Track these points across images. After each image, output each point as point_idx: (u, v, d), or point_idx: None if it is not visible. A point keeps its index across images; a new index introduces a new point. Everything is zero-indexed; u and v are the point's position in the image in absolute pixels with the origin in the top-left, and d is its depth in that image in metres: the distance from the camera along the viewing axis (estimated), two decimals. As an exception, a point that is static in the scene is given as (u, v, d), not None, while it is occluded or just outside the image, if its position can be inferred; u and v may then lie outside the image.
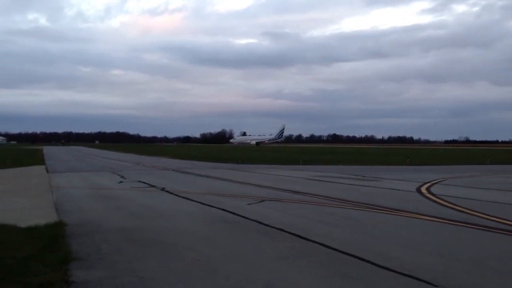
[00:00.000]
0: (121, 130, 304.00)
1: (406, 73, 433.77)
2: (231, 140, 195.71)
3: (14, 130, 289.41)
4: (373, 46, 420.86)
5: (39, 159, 45.63)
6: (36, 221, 10.03)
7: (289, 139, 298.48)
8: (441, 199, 15.33)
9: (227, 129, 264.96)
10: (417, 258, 7.61)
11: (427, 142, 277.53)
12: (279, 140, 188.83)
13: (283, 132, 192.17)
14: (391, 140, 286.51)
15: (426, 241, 8.95)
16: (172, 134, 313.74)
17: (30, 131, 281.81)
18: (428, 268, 6.99)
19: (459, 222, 10.95)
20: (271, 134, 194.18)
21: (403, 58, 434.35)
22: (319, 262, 7.28)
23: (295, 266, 7.05)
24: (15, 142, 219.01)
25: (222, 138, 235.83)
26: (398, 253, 7.89)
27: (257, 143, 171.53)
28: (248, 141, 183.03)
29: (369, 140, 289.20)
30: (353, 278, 6.46)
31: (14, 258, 6.94)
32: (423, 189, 18.57)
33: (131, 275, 6.53)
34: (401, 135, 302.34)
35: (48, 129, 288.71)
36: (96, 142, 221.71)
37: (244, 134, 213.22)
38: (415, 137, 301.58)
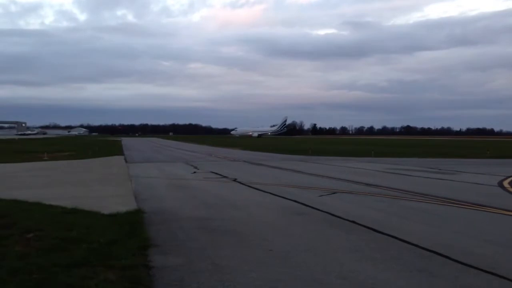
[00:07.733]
0: (193, 122, 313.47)
1: (493, 62, 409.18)
2: (232, 132, 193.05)
3: (96, 122, 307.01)
4: (460, 33, 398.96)
5: (118, 150, 48.05)
6: (118, 208, 10.63)
7: (360, 130, 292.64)
8: (527, 194, 14.42)
9: (298, 121, 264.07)
10: (500, 255, 7.21)
11: (509, 134, 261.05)
12: (281, 132, 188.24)
13: (285, 124, 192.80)
14: (469, 132, 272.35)
15: (509, 238, 8.44)
16: (242, 125, 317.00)
17: (110, 123, 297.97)
18: (514, 266, 6.60)
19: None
20: (272, 126, 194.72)
21: (492, 45, 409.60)
22: (395, 256, 7.08)
23: (370, 260, 6.90)
24: (96, 134, 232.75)
25: (292, 130, 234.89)
26: (480, 249, 7.51)
27: (259, 135, 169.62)
28: (250, 133, 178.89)
29: (446, 132, 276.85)
30: (432, 274, 6.22)
31: (99, 242, 7.37)
32: (506, 183, 17.53)
33: (206, 262, 6.70)
34: (480, 126, 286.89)
35: (126, 122, 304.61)
36: (170, 133, 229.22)
37: (314, 126, 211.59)
38: (496, 129, 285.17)
